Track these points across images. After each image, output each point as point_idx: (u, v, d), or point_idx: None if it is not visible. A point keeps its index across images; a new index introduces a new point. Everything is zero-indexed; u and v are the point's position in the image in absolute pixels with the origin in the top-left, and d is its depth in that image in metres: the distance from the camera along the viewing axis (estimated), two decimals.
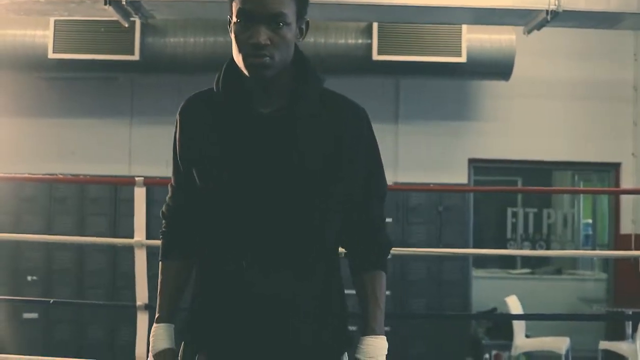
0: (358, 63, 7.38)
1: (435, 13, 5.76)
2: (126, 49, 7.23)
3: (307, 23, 2.09)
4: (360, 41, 7.35)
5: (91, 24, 7.10)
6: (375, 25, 7.19)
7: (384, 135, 8.34)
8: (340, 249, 2.16)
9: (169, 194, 2.24)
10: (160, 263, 2.25)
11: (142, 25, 7.18)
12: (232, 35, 2.01)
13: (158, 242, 2.30)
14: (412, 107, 8.51)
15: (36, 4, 5.44)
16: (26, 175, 6.09)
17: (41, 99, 8.42)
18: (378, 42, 7.20)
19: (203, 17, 6.51)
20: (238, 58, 2.00)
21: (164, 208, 2.26)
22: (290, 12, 1.96)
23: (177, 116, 2.15)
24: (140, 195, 4.41)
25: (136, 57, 7.25)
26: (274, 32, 1.94)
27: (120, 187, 7.93)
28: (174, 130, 2.15)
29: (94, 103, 8.49)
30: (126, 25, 5.80)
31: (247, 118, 2.03)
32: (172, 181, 2.22)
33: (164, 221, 2.26)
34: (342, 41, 7.35)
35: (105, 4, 5.28)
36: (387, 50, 7.20)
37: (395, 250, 7.17)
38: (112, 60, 7.31)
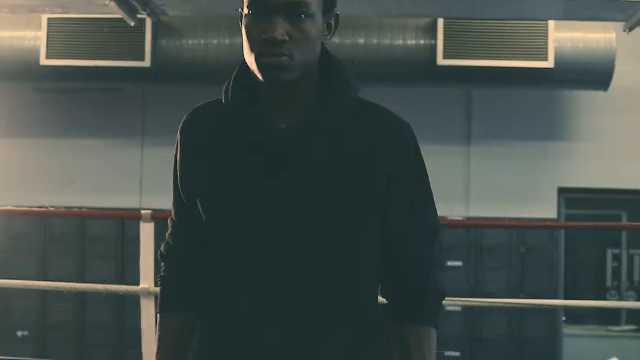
0: (419, 69, 7.27)
1: (516, 6, 5.65)
2: (135, 53, 7.20)
3: (338, 17, 2.02)
4: (422, 42, 7.23)
5: (92, 23, 7.02)
6: (440, 22, 7.05)
7: (453, 159, 8.20)
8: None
9: (169, 231, 2.18)
10: (158, 316, 2.20)
11: (154, 25, 7.12)
12: (243, 31, 1.94)
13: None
14: (488, 124, 8.36)
15: None
16: (15, 208, 6.04)
17: (34, 116, 8.44)
18: (444, 43, 7.07)
19: (227, 13, 6.38)
20: (250, 59, 1.93)
21: (162, 248, 2.20)
22: (313, 1, 1.90)
23: (178, 134, 2.10)
24: (147, 232, 4.41)
25: (147, 63, 7.21)
26: (293, 25, 1.88)
27: (128, 222, 7.85)
28: (174, 151, 2.11)
29: (98, 120, 8.49)
30: (133, 25, 5.72)
31: (261, 135, 1.99)
32: (173, 214, 2.17)
33: (163, 264, 2.20)
34: (400, 42, 7.24)
35: None
36: (456, 53, 7.08)
37: (465, 302, 7.15)
38: (118, 67, 7.30)
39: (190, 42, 7.27)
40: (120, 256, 7.93)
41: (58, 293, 7.56)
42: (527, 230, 7.81)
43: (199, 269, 2.12)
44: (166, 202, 6.64)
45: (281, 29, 1.85)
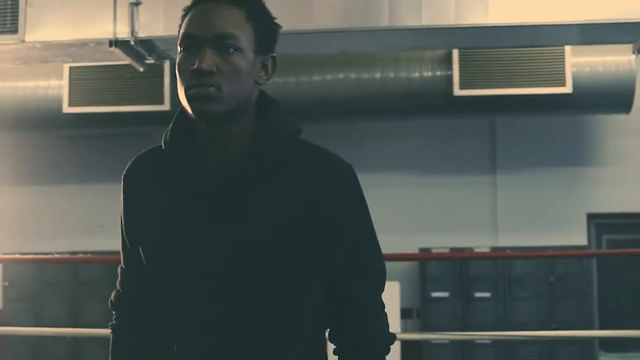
0: (437, 100, 7.21)
1: (530, 33, 5.49)
2: (154, 97, 7.22)
3: (274, 59, 2.00)
4: (438, 73, 7.17)
5: (112, 70, 7.09)
6: (455, 53, 6.99)
7: (478, 189, 8.10)
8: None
9: (118, 278, 2.16)
10: None
11: (172, 69, 7.14)
12: (177, 70, 1.92)
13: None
14: (512, 152, 8.26)
15: (32, 50, 5.44)
16: (45, 256, 6.05)
17: (61, 162, 8.50)
18: (460, 73, 6.99)
19: None
20: (181, 93, 1.91)
21: (112, 296, 2.17)
22: (243, 36, 1.90)
23: (122, 182, 2.09)
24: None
25: (166, 106, 7.23)
26: (221, 58, 1.88)
27: None
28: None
29: (124, 164, 8.48)
30: (141, 70, 5.74)
31: (195, 176, 1.96)
32: (122, 262, 2.14)
33: (113, 312, 2.18)
34: (416, 74, 7.17)
35: (111, 45, 5.22)
36: (472, 83, 6.99)
37: (494, 335, 7.03)
38: (138, 111, 7.29)
39: None
40: None
41: (90, 338, 7.59)
42: (556, 259, 7.64)
43: (146, 317, 2.09)
44: None
45: (209, 60, 1.85)
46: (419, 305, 7.73)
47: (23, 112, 7.51)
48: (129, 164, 2.08)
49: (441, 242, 7.64)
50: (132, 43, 5.26)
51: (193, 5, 1.94)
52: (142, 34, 5.26)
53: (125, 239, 2.08)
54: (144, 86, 7.20)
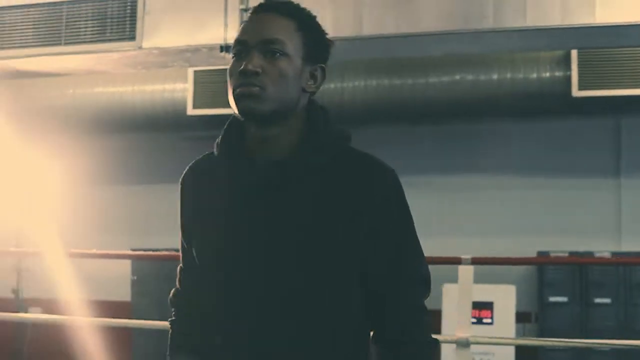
0: (555, 102, 7.06)
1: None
2: None
3: (323, 70, 2.09)
4: (556, 74, 7.00)
5: None
6: (574, 53, 6.81)
7: (600, 192, 7.87)
8: None
9: (178, 277, 2.26)
10: (168, 358, 2.27)
11: None
12: (228, 75, 2.03)
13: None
14: (638, 154, 7.96)
15: (149, 55, 5.67)
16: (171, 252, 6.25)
17: (184, 163, 8.72)
18: (579, 73, 6.80)
19: (349, 56, 6.47)
20: (230, 95, 2.02)
21: (171, 293, 2.28)
22: (290, 42, 2.01)
23: (179, 186, 2.20)
24: (466, 276, 4.52)
25: None
26: (268, 61, 1.99)
27: None
28: None
29: None
30: None
31: (240, 174, 2.06)
32: (181, 262, 2.24)
33: (172, 309, 2.28)
34: (534, 75, 7.02)
35: (222, 50, 5.38)
36: (591, 83, 6.78)
37: (614, 343, 6.76)
38: None
39: (328, 85, 7.35)
40: None
41: None
42: None
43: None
44: None
45: (255, 62, 1.95)
46: (537, 309, 7.58)
47: (151, 115, 7.79)
48: (186, 168, 2.19)
49: (561, 245, 7.46)
50: None
51: (249, 16, 2.06)
52: None
53: (182, 239, 2.17)
54: None
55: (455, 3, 5.14)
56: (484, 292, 7.18)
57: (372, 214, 2.00)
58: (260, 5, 2.08)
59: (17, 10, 5.93)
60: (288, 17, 2.04)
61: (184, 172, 2.19)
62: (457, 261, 4.33)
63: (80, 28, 5.77)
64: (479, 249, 6.97)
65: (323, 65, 2.09)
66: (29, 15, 5.90)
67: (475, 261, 4.27)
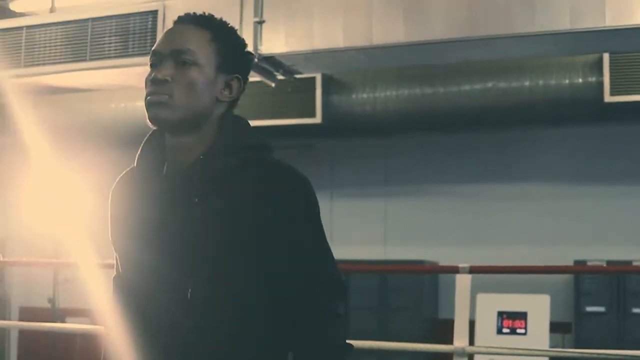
0: (588, 108, 6.93)
1: None
2: (306, 111, 7.37)
3: (240, 80, 2.14)
4: (589, 80, 6.86)
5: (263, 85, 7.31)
6: (606, 57, 6.67)
7: (638, 200, 7.65)
8: None
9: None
10: None
11: (324, 82, 7.31)
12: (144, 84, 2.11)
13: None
14: None
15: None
16: None
17: None
18: (610, 79, 6.67)
19: (360, 67, 6.48)
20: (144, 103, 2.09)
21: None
22: (201, 52, 2.07)
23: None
24: (464, 285, 4.34)
25: (318, 119, 7.36)
26: (177, 70, 2.04)
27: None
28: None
29: None
30: (272, 85, 5.92)
31: (150, 182, 2.12)
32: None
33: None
34: (566, 81, 6.90)
35: None
36: (625, 88, 6.64)
37: None
38: (293, 125, 7.47)
39: (359, 96, 7.37)
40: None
41: None
42: None
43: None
44: (358, 252, 6.82)
45: (165, 71, 2.02)
46: (573, 319, 7.42)
47: None
48: (115, 181, 2.25)
49: (598, 254, 7.29)
50: (256, 60, 5.45)
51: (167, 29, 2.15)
52: (264, 50, 5.44)
53: (113, 249, 2.23)
54: (297, 100, 7.39)
55: (465, 10, 5.09)
56: (517, 302, 7.08)
57: (276, 220, 2.01)
58: (179, 17, 2.18)
59: (46, 28, 6.10)
60: (203, 28, 2.10)
61: (114, 184, 2.23)
62: (454, 270, 4.26)
63: (104, 44, 5.90)
64: (514, 258, 6.88)
65: (239, 76, 2.12)
66: (57, 32, 6.06)
67: (473, 270, 4.19)
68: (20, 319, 9.45)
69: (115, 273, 2.24)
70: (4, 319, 9.45)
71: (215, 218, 2.02)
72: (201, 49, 2.06)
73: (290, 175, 2.07)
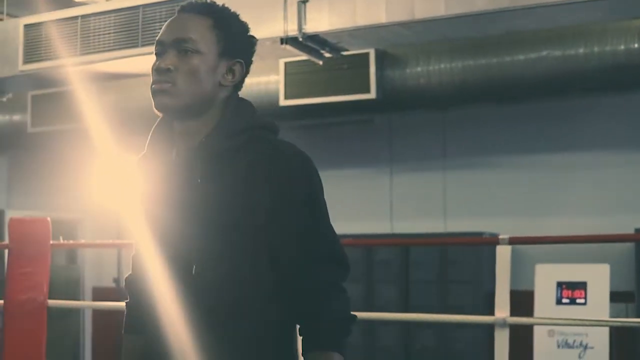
0: None
1: None
2: (361, 86, 7.39)
3: (242, 65, 2.21)
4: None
5: (327, 63, 7.29)
6: None
7: None
8: None
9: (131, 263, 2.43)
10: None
11: (378, 57, 7.32)
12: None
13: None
14: None
15: None
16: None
17: None
18: None
19: (404, 42, 6.47)
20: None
21: (125, 278, 2.46)
22: (202, 40, 2.15)
23: None
24: (504, 257, 4.31)
25: (372, 95, 7.37)
26: (180, 59, 2.13)
27: (377, 248, 8.08)
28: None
29: (348, 151, 8.82)
30: (320, 63, 5.97)
31: (157, 164, 2.22)
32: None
33: (127, 292, 2.45)
34: (622, 47, 6.76)
35: (282, 43, 5.50)
36: None
37: None
38: (347, 101, 7.49)
39: (413, 70, 7.36)
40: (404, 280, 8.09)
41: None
42: None
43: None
44: (418, 226, 6.87)
45: (168, 60, 2.12)
46: (635, 288, 7.30)
47: None
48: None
49: None
50: (301, 39, 5.51)
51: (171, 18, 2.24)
52: (309, 29, 5.50)
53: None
54: (351, 76, 7.41)
55: None
56: (576, 272, 7.01)
57: (277, 198, 2.08)
58: (182, 6, 2.27)
59: (99, 16, 6.27)
60: (204, 16, 2.18)
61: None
62: (494, 241, 4.26)
63: (155, 30, 6.02)
64: (575, 227, 6.81)
65: (241, 60, 2.20)
66: (109, 20, 6.22)
67: (513, 241, 4.19)
68: (94, 299, 9.79)
69: (135, 251, 2.35)
70: (78, 299, 9.79)
71: (218, 197, 2.10)
72: (202, 36, 2.14)
73: (291, 155, 2.14)
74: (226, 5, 2.30)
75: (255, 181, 2.09)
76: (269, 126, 2.21)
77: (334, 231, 2.17)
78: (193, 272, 2.11)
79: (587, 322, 4.94)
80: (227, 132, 2.14)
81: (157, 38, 2.19)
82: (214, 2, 2.27)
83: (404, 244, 8.07)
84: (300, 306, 2.11)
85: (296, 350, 2.22)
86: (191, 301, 2.12)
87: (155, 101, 2.13)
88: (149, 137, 2.26)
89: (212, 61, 2.15)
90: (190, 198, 2.12)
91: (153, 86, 2.13)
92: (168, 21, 2.22)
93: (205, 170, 2.12)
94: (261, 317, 2.13)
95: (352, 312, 2.14)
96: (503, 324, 4.11)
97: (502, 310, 4.12)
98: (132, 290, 2.38)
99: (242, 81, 2.24)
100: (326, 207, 2.18)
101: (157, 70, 2.13)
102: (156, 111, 2.17)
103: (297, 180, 2.12)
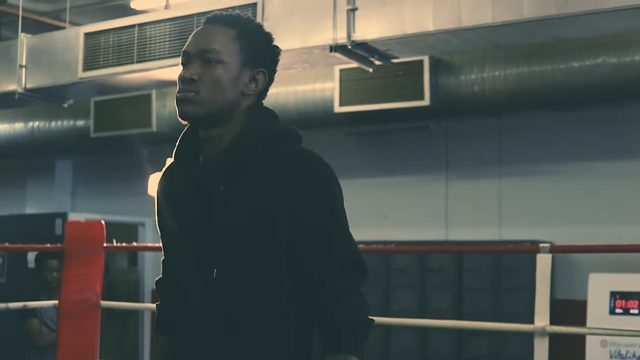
0: None
1: None
2: (415, 93, 7.44)
3: (265, 74, 2.29)
4: None
5: (379, 69, 7.35)
6: None
7: None
8: None
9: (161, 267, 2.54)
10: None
11: (432, 64, 7.37)
12: None
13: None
14: None
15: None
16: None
17: (347, 158, 8.84)
18: None
19: (452, 50, 6.50)
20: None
21: (155, 282, 2.56)
22: (225, 51, 2.23)
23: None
24: (544, 265, 4.35)
25: (426, 102, 7.42)
26: (204, 68, 2.21)
27: (431, 255, 8.10)
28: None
29: (405, 158, 8.85)
30: (371, 70, 6.03)
31: (188, 172, 2.31)
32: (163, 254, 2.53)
33: (158, 295, 2.55)
34: None
35: (331, 51, 5.58)
36: None
37: None
38: (401, 108, 7.55)
39: (468, 77, 7.37)
40: (421, 286, 8.14)
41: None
42: None
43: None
44: (473, 234, 6.91)
45: (193, 70, 2.20)
46: None
47: (302, 113, 8.07)
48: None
49: None
50: (349, 47, 5.58)
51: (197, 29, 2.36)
52: (358, 37, 5.56)
53: (160, 235, 2.44)
54: (405, 83, 7.46)
55: None
56: (631, 282, 6.95)
57: (296, 205, 2.18)
58: (207, 18, 2.36)
59: (156, 24, 6.42)
60: (229, 27, 2.26)
61: (160, 177, 2.46)
62: (535, 250, 4.29)
63: None
64: (631, 235, 6.75)
65: (264, 70, 2.28)
66: (166, 28, 6.37)
67: (554, 249, 4.20)
68: (153, 301, 9.99)
69: (164, 256, 2.45)
70: (138, 300, 10.01)
71: (239, 204, 2.18)
72: (226, 46, 2.22)
73: (311, 162, 2.22)
74: (251, 18, 2.40)
75: (275, 187, 2.16)
76: (291, 134, 2.30)
77: (351, 237, 2.23)
78: (214, 274, 2.19)
79: (633, 333, 4.90)
80: (249, 140, 2.22)
81: (183, 49, 2.28)
82: (239, 14, 2.35)
83: (454, 250, 8.08)
84: (318, 310, 2.17)
85: (311, 353, 2.29)
86: (212, 303, 2.20)
87: (180, 109, 2.22)
88: (176, 145, 2.34)
89: (234, 70, 2.23)
90: (212, 203, 2.21)
91: (178, 95, 2.22)
92: (194, 32, 2.30)
93: (228, 177, 2.20)
94: (280, 319, 2.20)
95: (370, 317, 2.21)
96: (542, 332, 4.12)
97: (541, 319, 4.12)
98: (162, 292, 2.48)
99: (265, 90, 2.32)
100: (345, 215, 2.24)
101: (182, 79, 2.21)
102: (180, 119, 2.27)
103: (316, 187, 2.19)
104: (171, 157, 2.38)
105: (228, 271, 2.19)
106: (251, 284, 2.18)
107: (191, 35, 2.30)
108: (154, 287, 2.54)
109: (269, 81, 2.32)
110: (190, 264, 2.26)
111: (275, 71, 2.35)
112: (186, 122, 2.29)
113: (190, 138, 2.33)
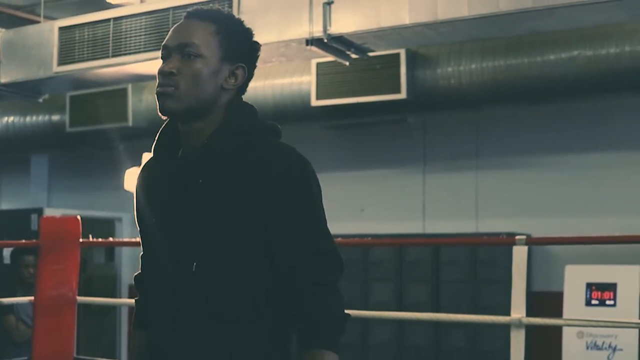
0: None
1: None
2: (391, 87, 7.45)
3: (245, 69, 2.28)
4: None
5: (355, 63, 7.36)
6: None
7: None
8: None
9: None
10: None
11: (408, 57, 7.37)
12: None
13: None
14: None
15: None
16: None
17: (325, 151, 8.88)
18: None
19: (428, 43, 6.51)
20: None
21: (134, 276, 2.56)
22: (205, 45, 2.22)
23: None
24: (521, 257, 4.30)
25: (403, 95, 7.42)
26: (183, 63, 2.20)
27: (408, 248, 8.13)
28: None
29: (382, 151, 8.85)
30: (347, 64, 6.04)
31: (166, 166, 2.31)
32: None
33: (136, 290, 2.56)
34: None
35: (308, 44, 5.58)
36: None
37: None
38: (377, 101, 7.56)
39: (443, 70, 7.39)
40: (399, 279, 8.17)
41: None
42: None
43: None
44: (450, 226, 6.94)
45: (172, 64, 2.19)
46: None
47: (280, 107, 8.06)
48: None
49: None
50: (326, 40, 5.59)
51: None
52: (334, 31, 5.57)
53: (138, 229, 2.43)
54: (381, 76, 7.47)
55: None
56: (606, 274, 7.00)
57: (274, 199, 2.16)
58: (187, 12, 2.34)
59: (131, 19, 6.40)
60: (208, 21, 2.25)
61: (139, 172, 2.45)
62: (511, 242, 4.30)
63: None
64: (607, 227, 6.80)
65: (243, 65, 2.27)
66: (140, 22, 6.34)
67: (530, 242, 4.21)
68: (130, 297, 9.95)
69: (141, 252, 2.44)
70: (115, 296, 9.97)
71: (217, 198, 2.18)
72: (205, 41, 2.21)
73: (290, 157, 2.21)
74: (232, 13, 2.40)
75: (254, 182, 2.16)
76: (271, 129, 2.30)
77: (329, 232, 2.23)
78: (193, 268, 2.18)
79: (609, 324, 4.93)
80: (228, 134, 2.22)
81: (163, 43, 2.27)
82: (220, 9, 2.34)
83: (431, 243, 8.12)
84: (295, 305, 2.17)
85: (291, 348, 2.29)
86: (192, 297, 2.19)
87: (159, 103, 2.21)
88: (156, 139, 2.34)
89: (214, 65, 2.22)
90: (190, 197, 2.21)
91: (158, 89, 2.21)
92: (174, 26, 2.29)
93: (207, 171, 2.20)
94: (258, 314, 2.20)
95: (345, 311, 2.20)
96: (519, 324, 4.13)
97: (518, 310, 4.14)
98: (140, 287, 2.47)
99: (245, 85, 2.32)
100: (323, 211, 2.24)
101: (161, 73, 2.21)
102: (161, 114, 2.26)
103: (294, 182, 2.19)
104: (149, 151, 2.39)
105: (207, 265, 2.18)
106: (230, 278, 2.17)
107: (171, 30, 2.29)
108: (132, 282, 2.54)
109: (249, 76, 2.32)
110: (170, 258, 2.25)
111: (255, 67, 2.35)
112: (166, 117, 2.28)
113: (170, 132, 2.33)
